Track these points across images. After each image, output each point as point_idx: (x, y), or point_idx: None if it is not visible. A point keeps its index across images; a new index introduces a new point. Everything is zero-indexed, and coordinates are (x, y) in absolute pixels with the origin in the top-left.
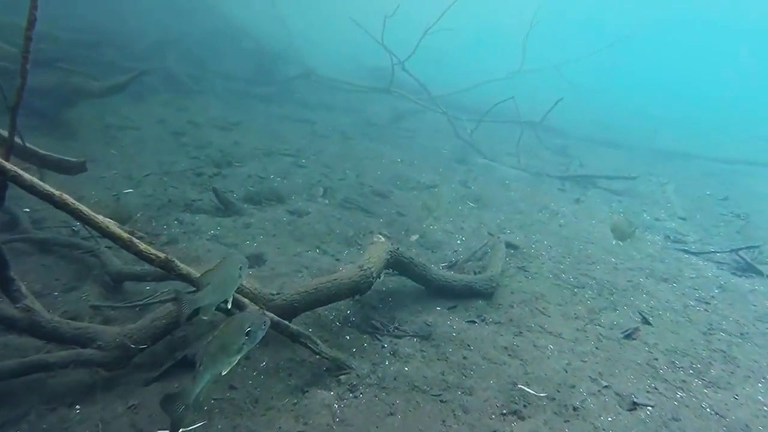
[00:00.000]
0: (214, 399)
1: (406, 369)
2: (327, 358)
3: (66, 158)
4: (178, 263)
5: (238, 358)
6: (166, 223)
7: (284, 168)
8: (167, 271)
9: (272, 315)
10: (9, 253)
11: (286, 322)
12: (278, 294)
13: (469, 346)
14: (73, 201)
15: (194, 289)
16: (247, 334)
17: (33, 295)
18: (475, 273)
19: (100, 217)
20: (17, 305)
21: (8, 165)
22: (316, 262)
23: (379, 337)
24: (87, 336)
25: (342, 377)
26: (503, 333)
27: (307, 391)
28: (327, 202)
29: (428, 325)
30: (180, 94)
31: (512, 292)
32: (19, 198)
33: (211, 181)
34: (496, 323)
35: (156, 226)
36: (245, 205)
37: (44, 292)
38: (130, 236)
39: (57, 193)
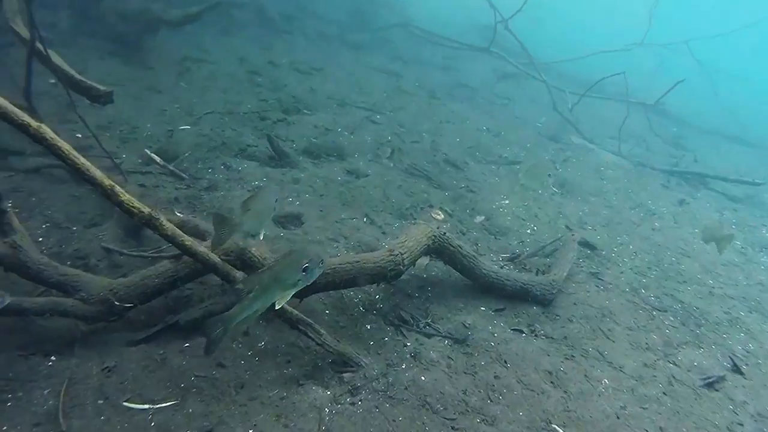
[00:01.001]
0: (196, 375)
1: (423, 378)
2: (330, 351)
3: (95, 86)
4: (164, 221)
5: (292, 293)
6: (212, 166)
7: (355, 122)
8: (150, 228)
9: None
10: (43, 179)
11: (287, 306)
12: None
13: (506, 362)
14: (52, 135)
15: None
16: (304, 270)
17: (53, 226)
18: (537, 272)
19: (82, 158)
20: (5, 240)
21: None
22: (358, 232)
23: (404, 332)
24: (72, 284)
25: (346, 375)
26: (551, 353)
27: (302, 385)
28: (392, 165)
29: (466, 326)
30: (268, 32)
31: (575, 303)
32: (74, 122)
33: (274, 127)
34: (546, 338)
35: (200, 169)
36: (301, 158)
37: (64, 225)
38: (112, 185)
39: (35, 124)
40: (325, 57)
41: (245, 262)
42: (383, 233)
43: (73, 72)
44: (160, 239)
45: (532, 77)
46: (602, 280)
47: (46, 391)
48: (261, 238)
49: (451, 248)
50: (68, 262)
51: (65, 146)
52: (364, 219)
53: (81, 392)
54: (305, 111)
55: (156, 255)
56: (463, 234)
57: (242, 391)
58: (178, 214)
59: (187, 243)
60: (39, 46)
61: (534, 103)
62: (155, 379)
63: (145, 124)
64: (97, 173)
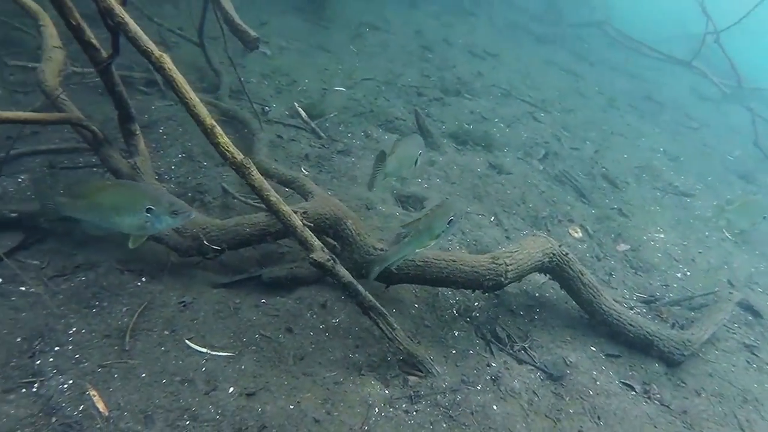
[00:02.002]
0: (261, 334)
1: (495, 408)
2: (401, 348)
3: (248, 30)
4: (253, 171)
5: (435, 241)
6: (353, 131)
7: (516, 115)
8: (240, 175)
9: (346, 272)
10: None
11: (360, 288)
12: (381, 250)
13: (599, 418)
14: (171, 66)
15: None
16: (449, 222)
17: (187, 158)
18: (673, 325)
19: (191, 93)
20: (129, 159)
21: (118, 8)
22: (479, 230)
23: (494, 350)
24: None
25: (412, 378)
26: (660, 425)
27: (363, 375)
28: (541, 168)
29: (566, 363)
30: (453, 11)
31: (711, 375)
32: (242, 66)
33: (428, 105)
34: (660, 405)
35: (340, 131)
36: (445, 141)
37: (197, 158)
38: (213, 125)
39: (157, 53)
40: (504, 44)
41: (338, 234)
42: (507, 238)
43: (234, 15)
44: (281, 192)
45: (736, 102)
46: (757, 356)
47: (125, 308)
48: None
49: (570, 272)
50: (188, 194)
51: (179, 79)
52: (492, 218)
53: (153, 318)
54: (466, 95)
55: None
56: (598, 260)
57: (300, 363)
58: (304, 171)
59: (271, 199)
60: None
61: (731, 133)
62: (222, 326)
63: (303, 79)
64: (203, 110)
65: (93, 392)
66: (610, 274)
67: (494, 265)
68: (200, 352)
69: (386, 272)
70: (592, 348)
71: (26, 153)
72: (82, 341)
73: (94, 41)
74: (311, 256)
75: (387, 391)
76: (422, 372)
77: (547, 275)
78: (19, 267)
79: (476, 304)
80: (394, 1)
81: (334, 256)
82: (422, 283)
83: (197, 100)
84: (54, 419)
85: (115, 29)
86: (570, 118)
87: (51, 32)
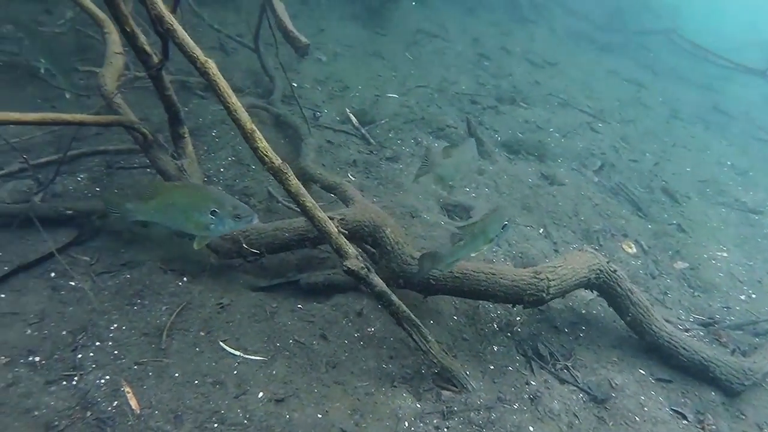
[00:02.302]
0: (295, 340)
1: (531, 429)
2: (434, 361)
3: (298, 36)
4: (291, 176)
5: (489, 245)
6: (403, 138)
7: (572, 125)
8: (277, 180)
9: (380, 281)
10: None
11: (394, 298)
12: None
13: None
14: (215, 71)
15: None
16: (503, 227)
17: (236, 162)
18: (734, 351)
19: (234, 98)
20: (176, 161)
21: (167, 16)
22: (526, 242)
23: (535, 367)
24: None
25: (445, 393)
26: None
27: (395, 387)
28: (596, 180)
29: (612, 386)
30: (512, 18)
31: None
32: (296, 72)
33: (481, 113)
34: None
35: (390, 138)
36: (496, 150)
37: (246, 162)
38: (253, 129)
39: (202, 58)
40: (564, 52)
41: (376, 241)
42: (555, 251)
43: (287, 22)
44: (326, 198)
45: None
46: None
47: (164, 307)
48: (450, 186)
49: (618, 290)
50: (234, 197)
51: (222, 83)
52: (540, 230)
53: (190, 318)
54: (521, 103)
55: None
56: (653, 278)
57: (333, 371)
58: (351, 177)
59: (307, 204)
60: None
61: None
62: (257, 330)
63: (356, 85)
64: (243, 115)
65: (127, 389)
66: (665, 293)
67: (536, 280)
68: (234, 354)
69: (425, 282)
70: (641, 371)
71: (87, 153)
72: (122, 338)
73: (147, 47)
74: (345, 263)
75: (418, 405)
76: (457, 387)
77: (595, 292)
78: (71, 262)
79: (518, 318)
80: (453, 9)
81: (368, 264)
82: (460, 295)
83: (239, 104)
84: (89, 413)
85: (165, 35)
86: (630, 129)
87: (114, 39)
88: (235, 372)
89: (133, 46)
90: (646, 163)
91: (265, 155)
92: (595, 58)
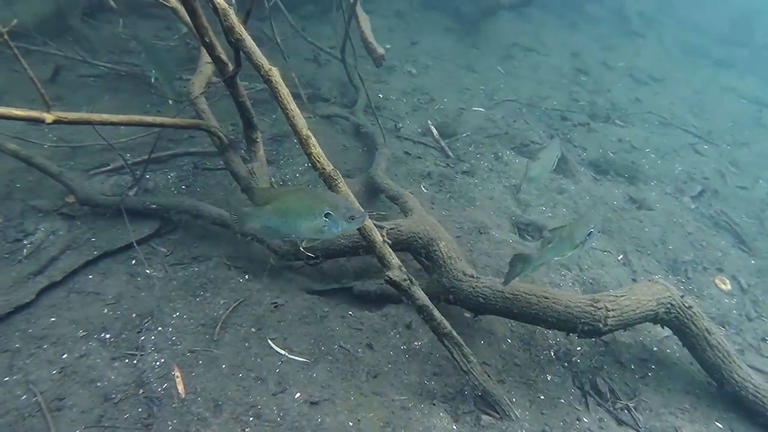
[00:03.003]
0: (341, 346)
1: None
2: (475, 384)
3: (375, 48)
4: (340, 183)
5: (574, 251)
6: (483, 152)
7: (672, 146)
8: (327, 185)
9: (422, 295)
10: (330, 125)
11: (437, 313)
12: (472, 277)
13: None
14: (278, 79)
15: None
16: (589, 234)
17: (310, 169)
18: None
19: (292, 105)
20: (248, 164)
21: (238, 27)
22: (601, 268)
23: (591, 404)
24: None
25: (485, 418)
26: None
27: (433, 405)
28: (693, 206)
29: None
30: (617, 32)
31: None
32: (385, 83)
33: (571, 130)
34: None
35: (470, 152)
36: (582, 169)
37: None
38: (308, 135)
39: (266, 66)
40: (673, 68)
41: (429, 254)
42: (634, 281)
43: (367, 33)
44: (389, 205)
45: None
46: None
47: (222, 301)
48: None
49: (693, 329)
50: None
51: (284, 91)
52: (620, 257)
53: (244, 314)
54: (617, 121)
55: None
56: (749, 320)
57: (373, 381)
58: (423, 189)
59: None
60: (359, 9)
61: None
62: (305, 332)
63: (442, 98)
64: (300, 122)
65: (177, 374)
66: (763, 339)
67: (592, 308)
68: (279, 353)
69: (474, 302)
70: (717, 424)
71: (179, 154)
72: (181, 326)
73: (223, 56)
74: (387, 273)
75: (455, 426)
76: (499, 413)
77: (667, 328)
78: (150, 252)
79: (578, 348)
80: (553, 23)
81: (411, 276)
82: (509, 317)
83: (297, 111)
84: (141, 391)
85: (236, 45)
86: (742, 152)
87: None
88: (278, 370)
89: (211, 56)
90: (758, 191)
91: (318, 161)
92: (709, 74)
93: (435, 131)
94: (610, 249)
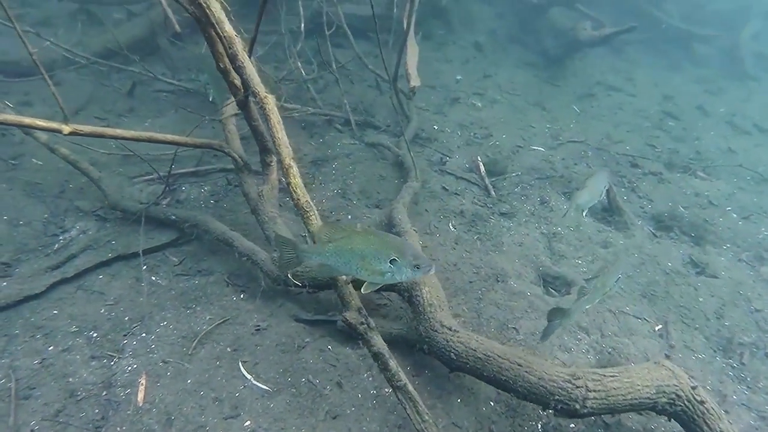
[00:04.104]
0: (309, 380)
1: None
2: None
3: (409, 79)
4: (312, 216)
5: (602, 297)
6: (528, 195)
7: (762, 207)
8: (300, 215)
9: (380, 342)
10: (370, 153)
11: (393, 363)
12: (449, 329)
13: None
14: (271, 105)
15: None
16: (617, 280)
17: (339, 194)
18: None
19: (281, 133)
20: (259, 186)
21: (241, 54)
22: (627, 337)
23: None
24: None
25: None
26: None
27: None
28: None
29: None
30: (728, 75)
31: None
32: (444, 115)
33: (639, 180)
34: None
35: (514, 193)
36: (639, 222)
37: (350, 196)
38: (290, 165)
39: (263, 93)
40: None
41: (411, 299)
42: (667, 356)
43: (409, 63)
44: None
45: None
46: None
47: (209, 317)
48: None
49: (704, 428)
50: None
51: (275, 119)
52: (657, 327)
53: (226, 333)
54: (699, 173)
55: None
56: None
57: (331, 421)
58: (451, 227)
59: None
60: (410, 41)
61: None
62: (278, 360)
63: (500, 134)
64: (285, 150)
65: (142, 382)
66: None
67: (570, 385)
68: (245, 377)
69: (446, 356)
70: None
71: (216, 170)
72: (164, 335)
73: (237, 81)
74: (344, 314)
75: None
76: None
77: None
78: (162, 260)
79: (572, 425)
80: (651, 62)
81: (369, 321)
82: (480, 379)
83: (284, 140)
84: (105, 393)
85: (239, 71)
86: None
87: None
88: (237, 394)
89: (225, 80)
90: None
91: (294, 191)
92: None
93: (482, 167)
94: (647, 316)
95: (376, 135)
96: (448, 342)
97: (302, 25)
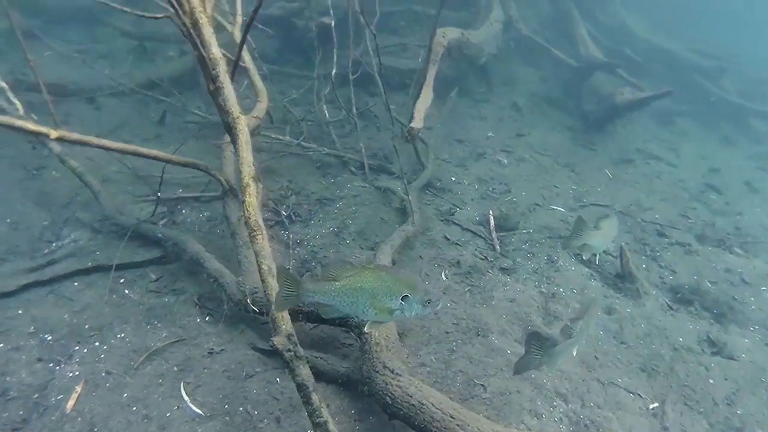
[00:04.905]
0: (247, 410)
1: None
2: None
3: (414, 120)
4: (260, 236)
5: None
6: (536, 252)
7: None
8: (249, 235)
9: (305, 372)
10: (380, 197)
11: (315, 398)
12: (391, 372)
13: None
14: (242, 126)
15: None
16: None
17: (336, 234)
18: None
19: (246, 153)
20: (240, 213)
21: (222, 77)
22: (612, 410)
23: None
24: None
25: None
26: None
27: None
28: None
29: None
30: None
31: None
32: (466, 169)
33: (664, 250)
34: None
35: (520, 250)
36: (654, 292)
37: (344, 236)
38: (249, 184)
39: (235, 114)
40: None
41: (360, 335)
42: None
43: (418, 107)
44: None
45: None
46: None
47: (165, 335)
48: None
49: None
50: (311, 262)
51: (243, 139)
52: (651, 405)
53: (178, 353)
54: (736, 249)
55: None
56: None
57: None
58: (444, 277)
59: (263, 267)
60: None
61: None
62: (221, 385)
63: (520, 191)
64: (247, 170)
65: (77, 389)
66: None
67: None
68: (183, 397)
69: (382, 400)
70: None
71: (217, 197)
72: (115, 347)
73: (224, 105)
74: (273, 339)
75: None
76: None
77: None
78: (140, 275)
79: None
80: (701, 134)
81: (297, 349)
82: (412, 428)
83: (249, 159)
84: (37, 395)
85: (218, 91)
86: None
87: (261, 107)
88: (168, 414)
89: (214, 101)
90: None
91: (247, 209)
92: None
93: (492, 221)
94: (641, 392)
95: (389, 180)
96: (386, 385)
97: (333, 71)
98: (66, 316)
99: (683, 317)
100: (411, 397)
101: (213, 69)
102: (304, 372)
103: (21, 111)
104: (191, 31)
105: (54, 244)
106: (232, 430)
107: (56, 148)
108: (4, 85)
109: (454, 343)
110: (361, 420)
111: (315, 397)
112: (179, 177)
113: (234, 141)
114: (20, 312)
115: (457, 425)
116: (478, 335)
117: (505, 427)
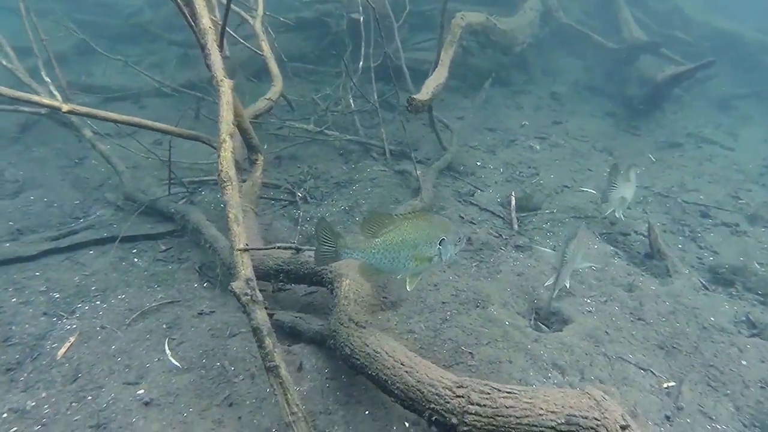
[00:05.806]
0: (223, 365)
1: None
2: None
3: (423, 91)
4: (229, 187)
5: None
6: (555, 231)
7: None
8: (220, 188)
9: (262, 317)
10: (402, 180)
11: (269, 342)
12: (356, 324)
13: None
14: (226, 88)
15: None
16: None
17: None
18: None
19: (227, 113)
20: (241, 181)
21: (210, 44)
22: (618, 386)
23: None
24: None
25: None
26: None
27: None
28: None
29: None
30: None
31: None
32: (494, 153)
33: (706, 230)
34: None
35: (542, 228)
36: (687, 271)
37: (353, 214)
38: (225, 140)
39: (219, 77)
40: None
41: (332, 291)
42: (667, 418)
43: (429, 81)
44: None
45: None
46: None
47: (161, 296)
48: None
49: None
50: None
51: (225, 99)
52: (666, 384)
53: (170, 312)
54: None
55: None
56: None
57: (226, 409)
58: None
59: (230, 216)
60: (440, 69)
61: None
62: (203, 342)
63: (549, 174)
64: (224, 127)
65: (71, 340)
66: None
67: (449, 393)
68: (165, 350)
69: (342, 352)
70: None
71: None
72: (116, 305)
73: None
74: (232, 283)
75: None
76: None
77: None
78: (151, 246)
79: None
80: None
81: (255, 293)
82: (368, 378)
83: (228, 118)
84: (35, 343)
85: (206, 58)
86: None
87: (275, 90)
88: (148, 365)
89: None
90: None
91: (221, 163)
92: None
93: (513, 202)
94: (656, 369)
95: (408, 164)
96: (348, 337)
97: (360, 63)
98: (76, 278)
99: (718, 297)
100: (368, 346)
101: (202, 38)
102: (260, 316)
103: (60, 101)
104: (182, 7)
105: (82, 220)
106: (205, 383)
107: (88, 133)
108: (48, 80)
109: (449, 313)
110: (333, 378)
111: (268, 341)
112: (203, 163)
113: (219, 100)
114: (37, 274)
115: (406, 372)
116: (477, 306)
117: (448, 375)
